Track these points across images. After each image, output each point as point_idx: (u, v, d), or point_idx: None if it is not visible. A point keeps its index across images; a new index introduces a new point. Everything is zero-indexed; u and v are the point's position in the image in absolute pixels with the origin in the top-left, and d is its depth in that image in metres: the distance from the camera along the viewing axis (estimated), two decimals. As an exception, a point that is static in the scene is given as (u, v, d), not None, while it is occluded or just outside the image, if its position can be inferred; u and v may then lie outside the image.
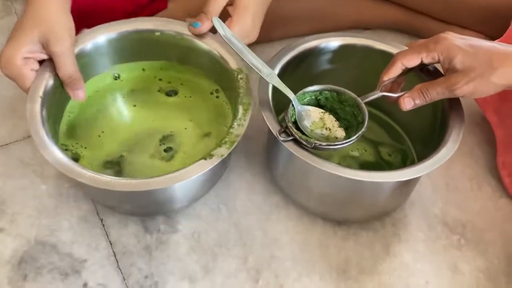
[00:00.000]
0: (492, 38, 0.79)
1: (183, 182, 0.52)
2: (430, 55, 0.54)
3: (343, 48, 0.65)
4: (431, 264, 0.60)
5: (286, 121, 0.55)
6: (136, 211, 0.62)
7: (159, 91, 0.67)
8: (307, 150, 0.54)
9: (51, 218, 0.61)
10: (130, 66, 0.66)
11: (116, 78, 0.65)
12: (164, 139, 0.64)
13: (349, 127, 0.57)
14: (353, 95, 0.57)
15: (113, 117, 0.65)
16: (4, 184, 0.63)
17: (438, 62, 0.55)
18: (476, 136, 0.73)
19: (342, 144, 0.55)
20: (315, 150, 0.54)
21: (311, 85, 0.58)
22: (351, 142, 0.55)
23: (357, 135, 0.55)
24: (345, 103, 0.58)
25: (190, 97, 0.67)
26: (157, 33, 0.63)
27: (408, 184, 0.60)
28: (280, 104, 0.58)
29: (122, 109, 0.66)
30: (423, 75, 0.60)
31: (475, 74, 0.52)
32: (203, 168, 0.52)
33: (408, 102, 0.55)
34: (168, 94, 0.67)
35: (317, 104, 0.59)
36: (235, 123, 0.56)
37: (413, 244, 0.62)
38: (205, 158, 0.53)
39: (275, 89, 0.58)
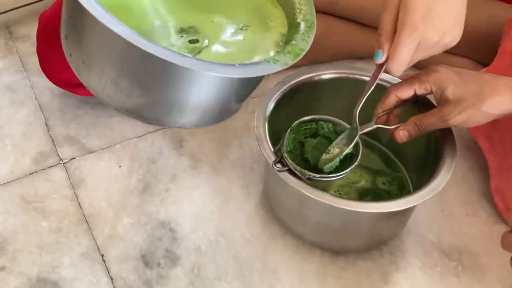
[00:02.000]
0: (481, 64, 0.82)
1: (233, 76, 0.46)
2: (422, 86, 0.56)
3: (335, 80, 0.67)
4: (428, 291, 0.61)
5: (282, 151, 0.57)
6: (123, 95, 0.49)
7: None
8: (302, 180, 0.55)
9: (52, 255, 0.62)
10: None
11: None
12: (183, 31, 0.54)
13: (344, 158, 0.59)
14: (348, 126, 0.58)
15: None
16: (5, 221, 0.65)
17: (431, 93, 0.57)
18: (469, 162, 0.74)
19: (337, 176, 0.56)
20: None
21: (306, 115, 0.60)
22: (345, 175, 0.56)
23: (350, 168, 0.56)
24: (340, 134, 0.59)
25: None
26: None
27: (404, 213, 0.61)
28: (276, 135, 0.59)
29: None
30: (417, 107, 0.61)
31: (467, 104, 0.54)
32: (266, 70, 0.48)
33: (403, 135, 0.57)
34: None
35: (315, 134, 0.61)
36: (298, 37, 0.53)
37: (410, 272, 0.62)
38: (269, 61, 0.49)
39: (270, 120, 0.60)
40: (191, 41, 0.52)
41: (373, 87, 0.57)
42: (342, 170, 0.57)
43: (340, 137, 0.58)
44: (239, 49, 0.51)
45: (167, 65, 0.43)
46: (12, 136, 0.73)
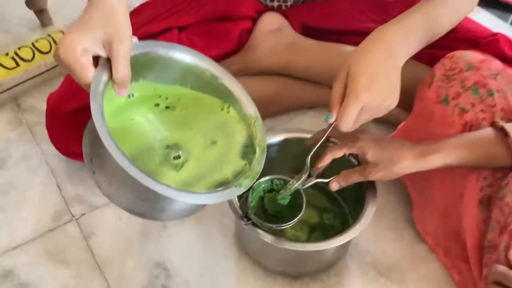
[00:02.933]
0: (407, 110, 0.98)
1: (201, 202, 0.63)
2: (349, 150, 0.75)
3: (284, 142, 0.85)
4: (365, 303, 0.80)
5: (247, 207, 0.75)
6: (130, 204, 0.66)
7: (156, 105, 0.71)
8: (264, 230, 0.74)
9: (74, 297, 0.80)
10: (145, 86, 0.70)
11: (129, 96, 0.69)
12: (168, 147, 0.69)
13: (294, 207, 0.77)
14: (296, 187, 0.76)
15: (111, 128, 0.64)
16: (35, 271, 0.82)
17: (357, 154, 0.76)
18: (398, 195, 0.93)
19: (289, 224, 0.74)
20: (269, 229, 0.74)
21: (264, 175, 0.78)
22: (294, 222, 0.74)
23: (298, 217, 0.74)
24: None
25: (188, 110, 0.72)
26: (191, 64, 0.70)
27: (344, 245, 0.80)
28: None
29: (120, 122, 0.68)
30: (351, 158, 0.80)
31: (382, 167, 0.73)
32: (233, 194, 0.65)
33: (335, 185, 0.75)
34: (167, 107, 0.72)
35: (271, 190, 0.79)
36: (254, 162, 0.69)
37: (351, 289, 0.82)
38: (235, 186, 0.65)
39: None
40: (175, 157, 0.68)
41: (323, 138, 0.74)
42: (292, 216, 0.74)
43: (294, 178, 0.76)
44: (211, 162, 0.68)
45: (165, 197, 0.60)
46: (32, 199, 0.91)
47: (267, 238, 0.73)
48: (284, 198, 0.76)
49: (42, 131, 0.94)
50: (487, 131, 0.72)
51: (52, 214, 0.89)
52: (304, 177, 0.75)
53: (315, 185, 0.77)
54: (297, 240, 0.83)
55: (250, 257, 0.84)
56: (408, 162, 0.72)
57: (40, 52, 1.08)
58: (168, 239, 0.86)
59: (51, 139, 0.90)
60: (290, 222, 0.74)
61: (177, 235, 0.87)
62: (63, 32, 1.12)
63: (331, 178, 0.76)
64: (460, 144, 0.72)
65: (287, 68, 1.02)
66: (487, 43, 0.91)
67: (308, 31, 1.04)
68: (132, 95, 0.69)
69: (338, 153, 0.76)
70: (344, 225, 0.86)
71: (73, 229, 0.87)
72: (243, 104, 0.74)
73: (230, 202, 0.76)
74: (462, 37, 0.92)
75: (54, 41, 1.10)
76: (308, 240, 0.83)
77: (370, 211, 0.76)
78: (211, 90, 0.74)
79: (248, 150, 0.71)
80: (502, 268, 0.63)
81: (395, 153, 0.73)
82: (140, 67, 0.67)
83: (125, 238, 0.86)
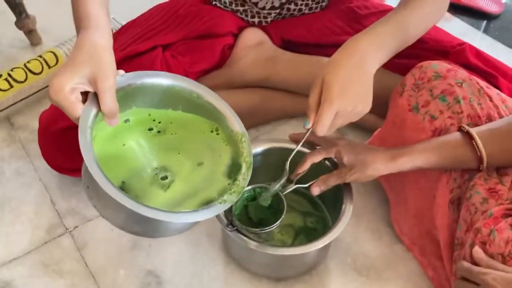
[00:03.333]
0: (381, 116, 1.02)
1: (190, 221, 0.67)
2: (328, 155, 0.81)
3: (266, 151, 0.90)
4: (346, 302, 0.85)
5: (232, 215, 0.79)
6: (126, 226, 0.71)
7: (150, 129, 0.77)
8: (248, 236, 0.78)
9: (70, 305, 0.84)
10: (139, 111, 0.76)
11: (126, 121, 0.75)
12: (156, 169, 0.74)
13: (277, 212, 0.82)
14: (276, 190, 0.81)
15: (106, 153, 0.72)
16: (32, 283, 0.86)
17: (335, 158, 0.81)
18: (378, 198, 0.98)
19: (271, 227, 0.78)
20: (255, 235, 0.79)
21: (247, 184, 0.82)
22: (276, 225, 0.78)
23: (279, 220, 0.77)
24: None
25: (178, 133, 0.78)
26: (177, 88, 0.75)
27: (323, 248, 0.84)
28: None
29: (113, 147, 0.73)
30: (328, 163, 0.85)
31: (357, 169, 0.78)
32: (217, 211, 0.69)
33: (316, 190, 0.80)
34: (158, 131, 0.77)
35: (254, 198, 0.83)
36: (240, 177, 0.74)
37: (333, 288, 0.87)
38: (220, 202, 0.70)
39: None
40: (162, 178, 0.74)
41: (301, 143, 0.79)
42: (275, 219, 0.79)
43: (274, 182, 0.80)
44: (197, 183, 0.73)
45: (156, 221, 0.66)
46: (27, 213, 0.95)
47: (251, 244, 0.77)
48: (265, 200, 0.80)
49: (35, 148, 0.99)
50: (455, 135, 0.77)
51: (46, 227, 0.93)
52: (283, 180, 0.79)
53: (297, 191, 0.82)
54: (283, 244, 0.87)
55: (237, 262, 0.88)
56: (380, 165, 0.77)
57: (32, 73, 1.12)
58: (158, 248, 0.90)
59: (44, 155, 0.94)
60: (272, 225, 0.78)
61: (167, 244, 0.91)
62: (53, 52, 1.16)
63: (311, 183, 0.80)
64: (429, 147, 0.77)
65: (268, 80, 1.07)
66: (455, 52, 0.96)
67: (288, 45, 1.09)
68: (129, 120, 0.75)
69: (317, 158, 0.81)
70: (325, 229, 0.91)
71: (67, 241, 0.91)
72: (229, 120, 0.79)
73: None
74: (432, 47, 0.98)
75: (46, 61, 1.14)
76: (293, 243, 0.88)
77: (347, 215, 0.81)
78: (200, 111, 0.78)
79: (232, 170, 0.76)
80: (466, 264, 0.68)
81: (368, 157, 0.78)
82: (131, 96, 0.72)
83: (117, 248, 0.90)
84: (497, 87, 0.89)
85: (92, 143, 0.65)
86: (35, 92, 1.13)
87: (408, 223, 0.89)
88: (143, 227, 0.71)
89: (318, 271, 0.88)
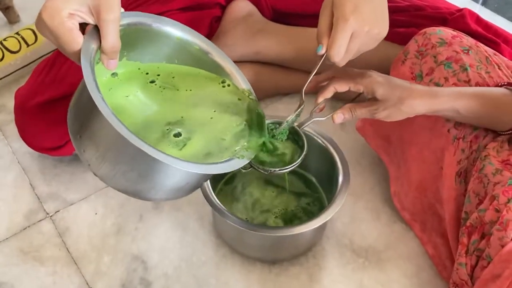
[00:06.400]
0: None
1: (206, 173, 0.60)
2: (356, 87, 0.70)
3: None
4: (343, 284, 0.80)
5: None
6: (125, 182, 0.61)
7: (152, 82, 0.68)
8: (239, 219, 0.73)
9: (51, 294, 0.79)
10: (128, 64, 0.66)
11: (113, 75, 0.66)
12: (169, 124, 0.65)
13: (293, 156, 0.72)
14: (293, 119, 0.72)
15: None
16: (10, 271, 0.81)
17: (362, 92, 0.71)
18: (376, 176, 0.94)
19: (292, 166, 0.70)
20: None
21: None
22: (298, 163, 0.70)
23: (301, 158, 0.70)
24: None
25: (190, 89, 0.69)
26: (178, 37, 0.67)
27: (318, 228, 0.80)
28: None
29: (115, 99, 0.64)
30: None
31: (390, 104, 0.69)
32: (238, 165, 0.63)
33: (339, 116, 0.70)
34: (163, 86, 0.68)
35: (273, 135, 0.74)
36: (254, 129, 0.67)
37: (329, 270, 0.82)
38: (238, 157, 0.63)
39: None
40: (175, 135, 0.64)
41: (315, 71, 0.69)
42: (291, 162, 0.70)
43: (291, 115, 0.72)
44: (214, 138, 0.64)
45: (170, 168, 0.57)
46: (4, 199, 0.89)
47: (242, 225, 0.72)
48: (282, 133, 0.73)
49: (13, 130, 0.94)
50: (499, 88, 0.71)
51: (25, 212, 0.88)
52: (300, 109, 0.71)
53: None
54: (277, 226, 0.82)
55: (228, 245, 0.83)
56: (418, 100, 0.69)
57: (9, 51, 1.06)
58: (144, 231, 0.85)
59: (21, 134, 0.89)
60: (295, 163, 0.70)
61: (154, 227, 0.86)
62: (31, 29, 1.10)
63: (328, 115, 0.71)
64: (472, 92, 0.71)
65: (259, 54, 1.01)
66: (454, 19, 0.91)
67: (279, 17, 1.03)
68: (116, 74, 0.66)
69: (342, 87, 0.71)
70: (321, 211, 0.86)
71: (47, 226, 0.86)
72: (234, 78, 0.72)
73: (204, 191, 0.75)
74: (430, 14, 0.93)
75: (23, 39, 1.08)
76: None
77: (343, 194, 0.76)
78: (200, 65, 0.71)
79: (248, 124, 0.69)
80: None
81: (405, 91, 0.70)
82: (126, 40, 0.62)
83: (101, 233, 0.85)
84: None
85: (95, 70, 0.54)
86: (13, 72, 1.07)
87: (410, 197, 0.85)
88: (147, 182, 0.60)
89: (314, 253, 0.83)
